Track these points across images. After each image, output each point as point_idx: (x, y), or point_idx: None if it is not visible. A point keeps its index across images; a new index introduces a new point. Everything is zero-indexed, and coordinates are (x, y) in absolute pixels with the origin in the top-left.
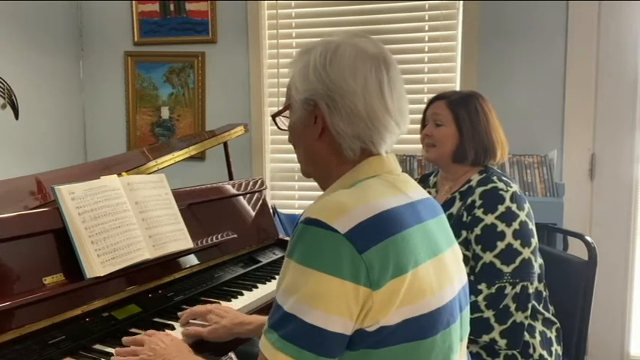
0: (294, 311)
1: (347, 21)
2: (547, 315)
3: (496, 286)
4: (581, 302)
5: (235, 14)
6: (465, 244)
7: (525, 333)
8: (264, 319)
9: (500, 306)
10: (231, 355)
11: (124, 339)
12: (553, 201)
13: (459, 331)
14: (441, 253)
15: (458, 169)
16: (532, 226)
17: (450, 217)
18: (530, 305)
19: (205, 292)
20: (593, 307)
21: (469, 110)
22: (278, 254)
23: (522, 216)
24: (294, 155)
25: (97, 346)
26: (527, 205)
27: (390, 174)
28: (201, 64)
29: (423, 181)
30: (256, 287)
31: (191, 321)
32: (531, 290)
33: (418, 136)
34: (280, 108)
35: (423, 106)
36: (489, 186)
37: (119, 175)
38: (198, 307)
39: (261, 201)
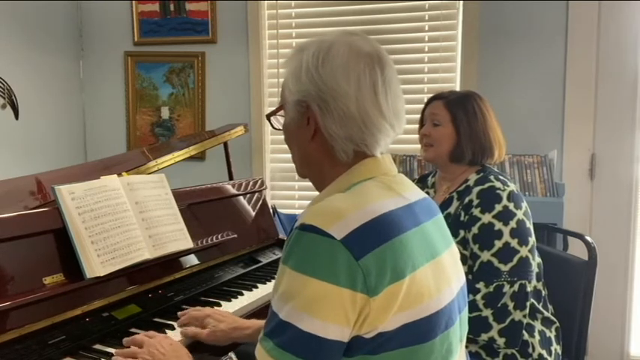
0: (290, 319)
1: (347, 21)
2: (546, 314)
3: (494, 284)
4: (581, 302)
5: (235, 14)
6: (463, 244)
7: (524, 332)
8: (261, 323)
9: (499, 305)
10: (231, 355)
11: (125, 340)
12: (553, 201)
13: (458, 332)
14: (438, 255)
15: (456, 169)
16: (529, 225)
17: (447, 216)
18: (528, 304)
19: (205, 292)
20: (593, 307)
21: (466, 110)
22: (278, 254)
23: (520, 215)
24: None
25: (97, 346)
26: (524, 204)
27: (385, 175)
28: (201, 64)
29: (422, 182)
30: (256, 287)
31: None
32: (529, 289)
33: (418, 136)
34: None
35: (423, 106)
36: (486, 185)
37: (119, 175)
38: (196, 312)
39: (261, 201)
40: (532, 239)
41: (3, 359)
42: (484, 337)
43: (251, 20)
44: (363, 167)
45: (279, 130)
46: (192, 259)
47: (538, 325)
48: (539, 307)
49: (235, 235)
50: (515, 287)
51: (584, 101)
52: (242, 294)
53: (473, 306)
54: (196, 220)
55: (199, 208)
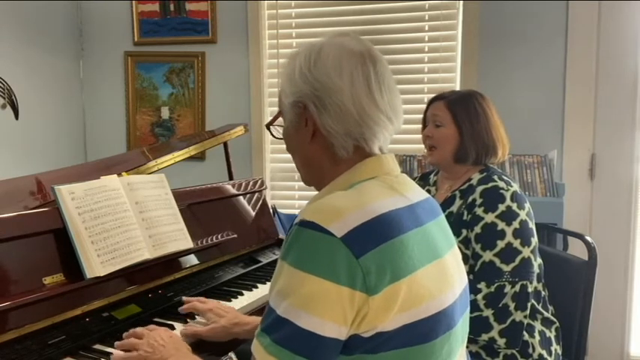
0: (287, 315)
1: (347, 21)
2: (546, 314)
3: (495, 285)
4: (581, 302)
5: (235, 14)
6: (465, 243)
7: (525, 332)
8: None
9: (500, 305)
10: (231, 355)
11: (125, 334)
12: (553, 201)
13: (460, 334)
14: (441, 256)
15: (459, 169)
16: (532, 226)
17: (449, 215)
18: (529, 305)
19: (205, 292)
20: (593, 307)
21: (468, 110)
22: (278, 254)
23: (523, 215)
24: None
25: (97, 346)
26: (527, 205)
27: (388, 175)
28: (201, 64)
29: (423, 180)
30: (256, 287)
31: (189, 320)
32: (530, 289)
33: (418, 136)
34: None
35: (423, 106)
36: (490, 185)
37: (119, 175)
38: (200, 304)
39: (261, 201)
40: (534, 240)
41: (3, 359)
42: (484, 337)
43: (251, 20)
44: (364, 166)
45: (280, 139)
46: (192, 259)
47: (538, 326)
48: (539, 307)
49: (235, 235)
50: (517, 288)
51: (584, 101)
52: (242, 294)
53: (474, 306)
54: (196, 220)
55: (199, 208)
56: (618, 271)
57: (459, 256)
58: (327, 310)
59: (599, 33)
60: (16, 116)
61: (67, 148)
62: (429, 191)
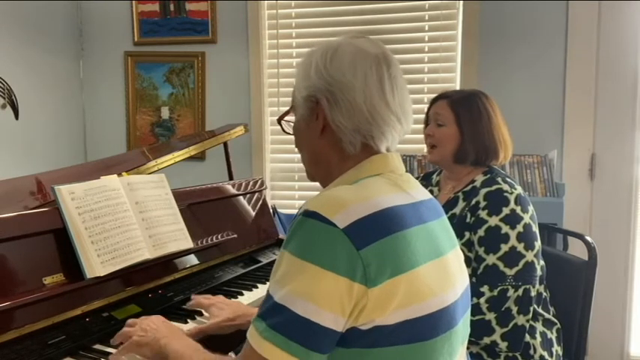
0: (284, 302)
1: (347, 21)
2: (547, 316)
3: (499, 288)
4: (581, 302)
5: (235, 14)
6: (468, 246)
7: (526, 334)
8: None
9: (502, 309)
10: (232, 355)
11: (118, 333)
12: (553, 201)
13: (461, 334)
14: (443, 255)
15: (461, 170)
16: (536, 229)
17: (452, 217)
18: (531, 308)
19: (205, 292)
20: (593, 307)
21: (471, 110)
22: (278, 254)
23: (526, 219)
24: (295, 155)
25: (97, 346)
26: (531, 208)
27: (393, 173)
28: (201, 64)
29: (426, 179)
30: (256, 287)
31: (190, 321)
32: (533, 293)
33: (418, 135)
34: (283, 111)
35: (423, 106)
36: (494, 187)
37: (119, 175)
38: (205, 300)
39: (261, 201)
40: (538, 243)
41: (3, 359)
42: (486, 340)
43: (251, 20)
44: (370, 163)
45: (290, 134)
46: (192, 259)
47: (539, 327)
48: (540, 309)
49: (235, 235)
50: (520, 292)
51: (584, 101)
52: (242, 294)
53: (476, 309)
54: (196, 220)
55: (199, 208)
56: (618, 271)
57: (462, 256)
58: (325, 299)
59: (599, 33)
60: (16, 116)
61: (67, 148)
62: (431, 191)
